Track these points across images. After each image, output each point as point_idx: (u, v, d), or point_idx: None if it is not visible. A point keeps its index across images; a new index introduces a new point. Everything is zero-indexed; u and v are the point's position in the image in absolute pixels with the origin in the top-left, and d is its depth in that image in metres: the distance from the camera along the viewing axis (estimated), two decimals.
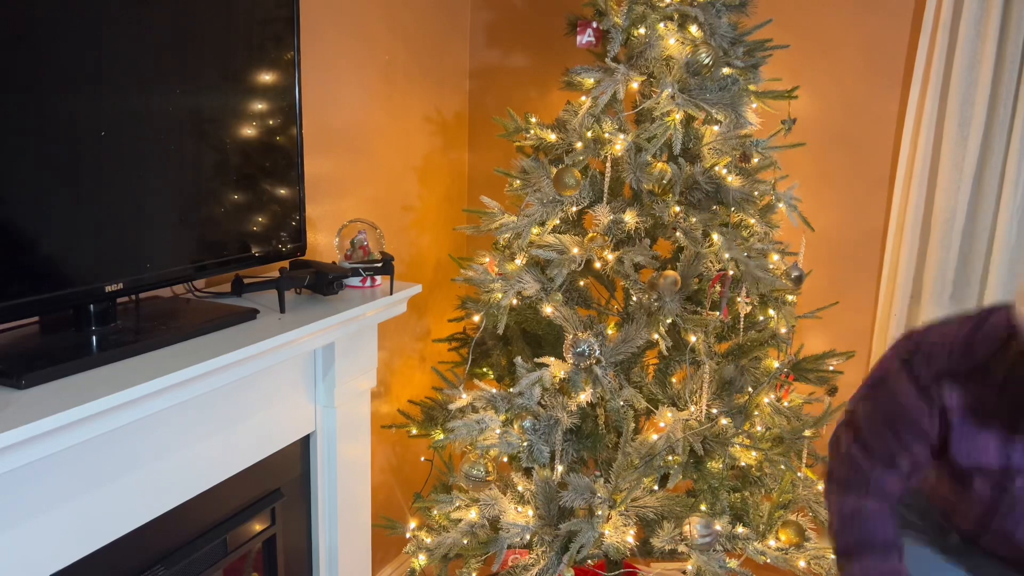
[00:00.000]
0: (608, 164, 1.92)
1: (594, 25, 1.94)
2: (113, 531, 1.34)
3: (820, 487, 2.15)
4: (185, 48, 1.42)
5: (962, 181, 2.26)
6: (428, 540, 2.11)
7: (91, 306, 1.35)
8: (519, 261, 1.98)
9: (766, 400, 2.01)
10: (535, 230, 1.95)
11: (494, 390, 2.00)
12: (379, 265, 1.79)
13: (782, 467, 1.99)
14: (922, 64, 2.25)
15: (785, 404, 2.06)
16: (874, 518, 1.21)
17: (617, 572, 2.06)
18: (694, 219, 1.88)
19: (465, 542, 2.07)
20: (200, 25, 1.44)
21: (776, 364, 2.03)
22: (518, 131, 2.07)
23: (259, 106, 1.59)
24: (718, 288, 1.89)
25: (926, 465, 1.16)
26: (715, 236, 1.89)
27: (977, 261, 2.31)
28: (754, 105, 2.01)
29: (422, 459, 2.44)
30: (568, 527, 1.81)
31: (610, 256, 1.87)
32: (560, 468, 1.93)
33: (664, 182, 1.94)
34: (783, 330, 2.05)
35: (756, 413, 1.99)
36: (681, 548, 1.95)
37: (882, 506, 1.21)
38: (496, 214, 2.02)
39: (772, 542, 2.05)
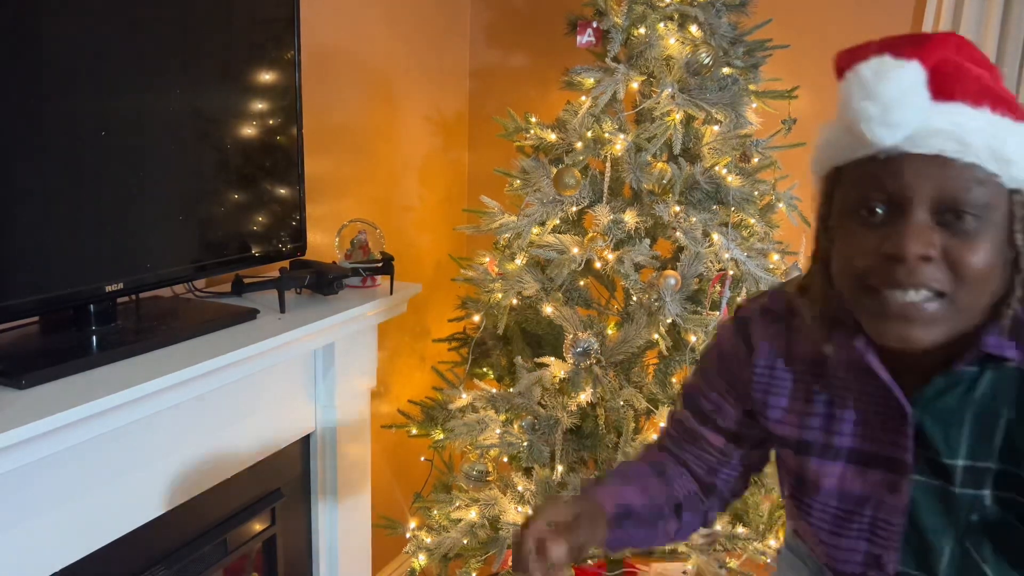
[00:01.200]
0: (608, 164, 1.92)
1: (594, 25, 1.94)
2: (113, 531, 1.34)
3: None
4: (185, 48, 1.42)
5: None
6: (428, 540, 2.11)
7: (91, 306, 1.35)
8: (519, 261, 1.98)
9: None
10: (535, 230, 1.94)
11: (494, 390, 2.00)
12: (379, 265, 1.79)
13: None
14: None
15: None
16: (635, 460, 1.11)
17: (617, 571, 2.06)
18: (694, 219, 1.88)
19: (465, 542, 2.07)
20: (200, 25, 1.44)
21: None
22: (518, 131, 2.07)
23: (259, 106, 1.59)
24: (718, 288, 1.89)
25: (734, 412, 1.05)
26: (715, 236, 1.89)
27: None
28: (754, 105, 2.01)
29: (422, 459, 2.44)
30: None
31: (610, 256, 1.87)
32: (560, 468, 1.93)
33: (664, 182, 1.94)
34: None
35: None
36: (681, 548, 1.95)
37: (656, 456, 1.11)
38: (496, 214, 2.02)
39: (772, 542, 2.04)
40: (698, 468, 1.10)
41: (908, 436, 0.88)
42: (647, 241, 1.89)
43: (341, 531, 1.87)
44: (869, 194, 0.81)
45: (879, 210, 0.80)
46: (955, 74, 0.80)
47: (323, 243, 2.05)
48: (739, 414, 1.05)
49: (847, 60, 0.82)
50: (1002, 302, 0.83)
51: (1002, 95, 0.81)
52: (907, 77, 0.77)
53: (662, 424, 1.11)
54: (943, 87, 0.79)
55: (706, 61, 1.87)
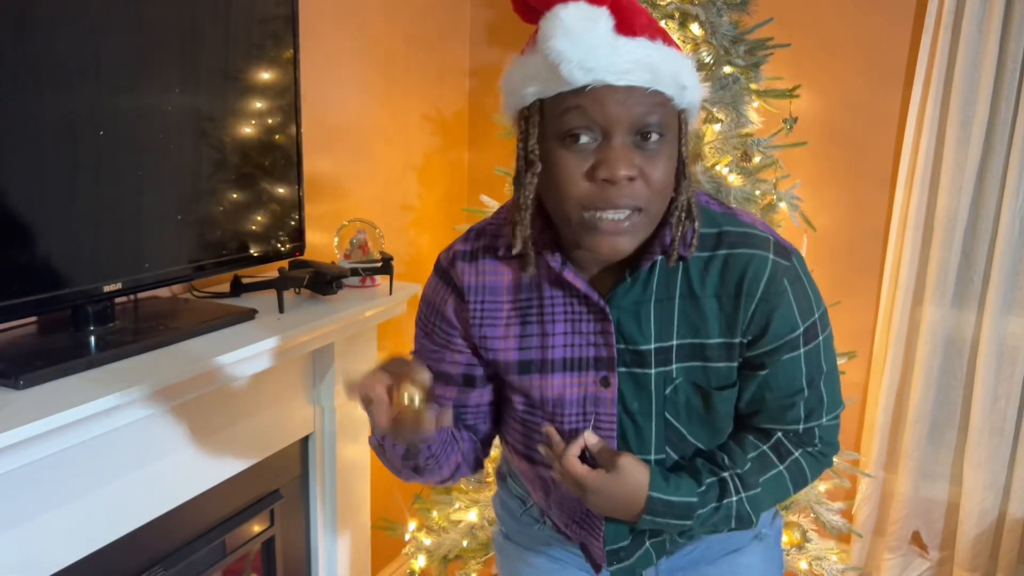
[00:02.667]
0: None
1: None
2: (112, 532, 1.33)
3: (821, 487, 2.14)
4: (184, 47, 1.41)
5: (964, 181, 2.26)
6: (428, 541, 2.11)
7: (89, 306, 1.34)
8: None
9: None
10: None
11: None
12: (378, 265, 1.78)
13: None
14: (924, 63, 2.24)
15: None
16: None
17: None
18: None
19: (465, 543, 2.07)
20: (199, 24, 1.44)
21: None
22: None
23: (258, 105, 1.58)
24: None
25: (466, 353, 1.11)
26: None
27: (979, 261, 2.31)
28: (755, 104, 2.00)
29: None
30: None
31: None
32: None
33: None
34: None
35: None
36: None
37: None
38: None
39: None
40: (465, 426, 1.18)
41: (611, 334, 1.01)
42: None
43: (340, 532, 1.86)
44: (577, 124, 0.90)
45: (586, 138, 0.90)
46: (631, 9, 0.90)
47: (322, 243, 2.04)
48: (467, 356, 1.11)
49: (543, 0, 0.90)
50: (671, 204, 0.97)
51: (663, 30, 0.94)
52: (602, 23, 0.87)
53: None
54: (624, 23, 0.89)
55: (707, 60, 1.86)
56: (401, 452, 1.06)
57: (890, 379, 2.41)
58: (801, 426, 1.08)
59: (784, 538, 2.06)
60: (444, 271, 1.10)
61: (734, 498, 1.03)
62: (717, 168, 1.92)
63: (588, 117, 0.89)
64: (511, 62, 0.97)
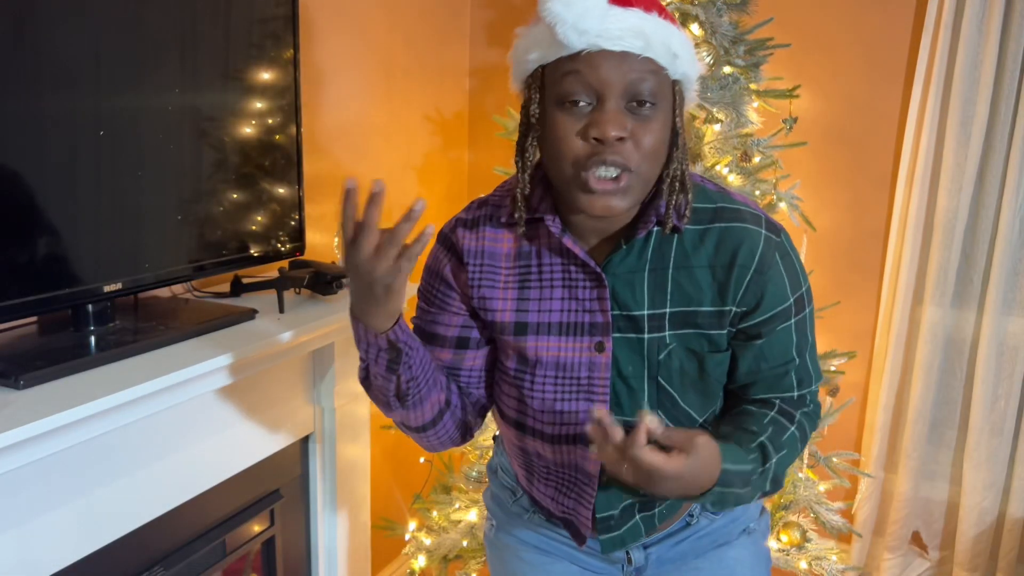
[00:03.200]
0: None
1: None
2: (112, 532, 1.33)
3: (821, 487, 2.14)
4: (184, 47, 1.41)
5: (964, 180, 2.26)
6: (428, 541, 2.11)
7: (89, 306, 1.34)
8: None
9: None
10: None
11: None
12: None
13: None
14: (924, 63, 2.24)
15: None
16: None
17: None
18: None
19: (465, 543, 2.07)
20: (199, 24, 1.44)
21: None
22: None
23: (259, 105, 1.59)
24: None
25: (463, 315, 1.15)
26: None
27: (979, 261, 2.31)
28: (755, 104, 2.00)
29: (421, 460, 2.44)
30: None
31: None
32: None
33: None
34: None
35: None
36: None
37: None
38: None
39: (773, 543, 2.04)
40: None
41: (607, 300, 1.05)
42: None
43: (340, 532, 1.86)
44: (574, 88, 0.95)
45: (582, 102, 0.95)
46: None
47: (322, 243, 2.04)
48: (462, 319, 1.15)
49: None
50: (664, 171, 1.01)
51: (661, 6, 0.99)
52: None
53: None
54: None
55: (707, 60, 1.86)
56: (385, 362, 1.05)
57: (890, 379, 2.41)
58: (795, 393, 1.13)
59: (784, 538, 2.06)
60: (445, 236, 1.14)
61: (773, 460, 1.06)
62: (717, 168, 1.92)
63: (583, 81, 0.94)
64: (518, 34, 1.02)
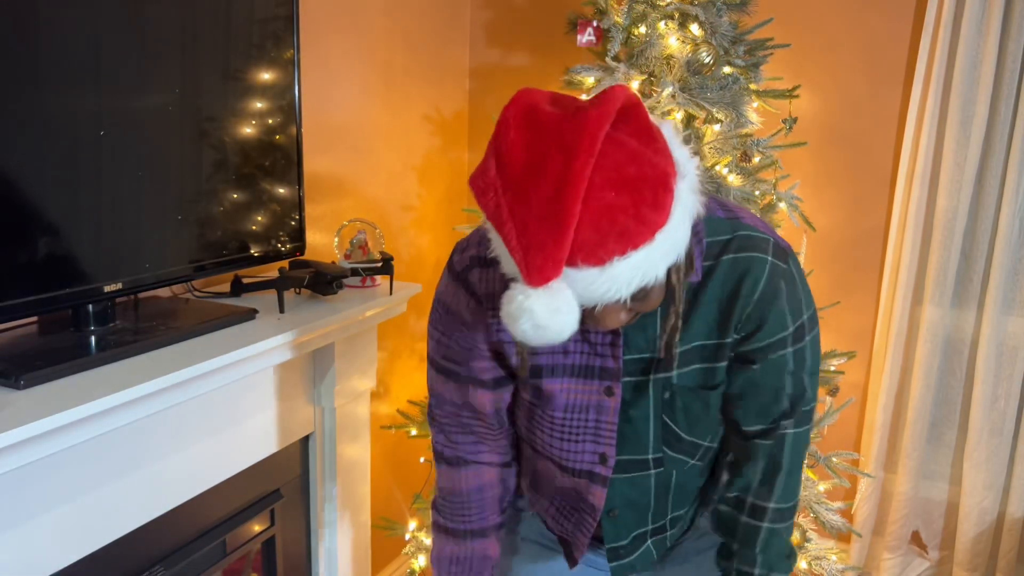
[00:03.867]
0: None
1: (594, 24, 1.93)
2: (112, 531, 1.33)
3: (821, 487, 2.14)
4: (185, 47, 1.41)
5: (964, 180, 2.26)
6: (428, 541, 2.11)
7: (90, 306, 1.34)
8: None
9: None
10: None
11: None
12: (379, 265, 1.78)
13: None
14: (924, 63, 2.24)
15: None
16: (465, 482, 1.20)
17: None
18: None
19: None
20: (200, 24, 1.44)
21: None
22: None
23: (259, 105, 1.59)
24: None
25: (491, 357, 1.13)
26: None
27: (979, 261, 2.31)
28: (755, 104, 2.00)
29: (422, 460, 2.44)
30: None
31: None
32: None
33: None
34: None
35: None
36: None
37: (478, 477, 1.20)
38: None
39: None
40: (490, 434, 1.20)
41: (620, 347, 1.06)
42: None
43: (340, 532, 1.86)
44: None
45: None
46: (584, 250, 0.82)
47: (322, 243, 2.04)
48: (490, 363, 1.14)
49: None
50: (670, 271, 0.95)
51: (626, 230, 0.83)
52: (569, 312, 0.83)
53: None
54: (574, 261, 0.83)
55: (707, 60, 1.86)
56: None
57: (890, 379, 2.41)
58: (787, 410, 1.10)
59: None
60: (459, 275, 1.11)
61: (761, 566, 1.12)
62: (717, 168, 1.92)
63: None
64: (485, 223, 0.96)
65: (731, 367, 1.08)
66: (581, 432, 1.10)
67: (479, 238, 1.10)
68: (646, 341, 1.05)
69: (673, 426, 1.09)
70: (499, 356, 1.14)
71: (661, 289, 0.94)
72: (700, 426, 1.10)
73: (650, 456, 1.10)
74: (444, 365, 1.17)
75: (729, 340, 1.05)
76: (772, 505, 1.10)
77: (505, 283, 1.06)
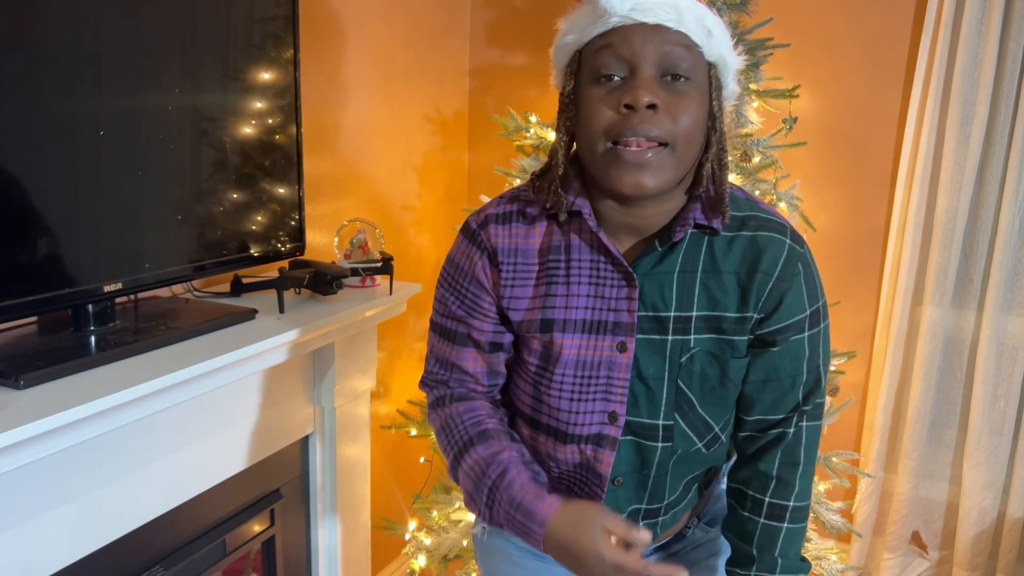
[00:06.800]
0: None
1: None
2: (112, 532, 1.33)
3: (821, 487, 2.14)
4: (184, 47, 1.41)
5: (964, 180, 2.26)
6: (428, 541, 2.11)
7: (89, 306, 1.34)
8: None
9: None
10: None
11: None
12: (379, 265, 1.78)
13: None
14: (924, 63, 2.24)
15: None
16: (458, 418, 1.17)
17: None
18: None
19: (465, 543, 2.07)
20: (199, 24, 1.44)
21: None
22: (518, 130, 2.06)
23: (259, 105, 1.59)
24: None
25: (494, 318, 1.14)
26: None
27: (979, 260, 2.31)
28: (755, 104, 2.00)
29: (421, 460, 2.44)
30: None
31: None
32: None
33: None
34: None
35: None
36: None
37: (467, 404, 1.18)
38: None
39: None
40: (478, 395, 1.20)
41: (635, 300, 1.05)
42: None
43: (340, 532, 1.86)
44: (607, 62, 0.97)
45: (616, 76, 0.97)
46: None
47: (322, 243, 2.04)
48: (492, 324, 1.15)
49: None
50: (703, 156, 1.02)
51: None
52: None
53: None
54: None
55: None
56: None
57: (890, 379, 2.41)
58: (800, 401, 1.12)
59: None
60: (474, 233, 1.13)
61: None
62: None
63: (616, 53, 0.96)
64: (558, 26, 1.03)
65: (753, 354, 1.09)
66: (592, 390, 1.09)
67: (496, 200, 1.14)
68: (662, 299, 1.05)
69: (688, 392, 1.09)
70: (504, 321, 1.14)
71: (699, 101, 0.97)
72: (714, 400, 1.10)
73: (660, 422, 1.09)
74: (443, 324, 1.17)
75: (750, 315, 1.06)
76: (791, 504, 1.11)
77: (520, 238, 1.10)
